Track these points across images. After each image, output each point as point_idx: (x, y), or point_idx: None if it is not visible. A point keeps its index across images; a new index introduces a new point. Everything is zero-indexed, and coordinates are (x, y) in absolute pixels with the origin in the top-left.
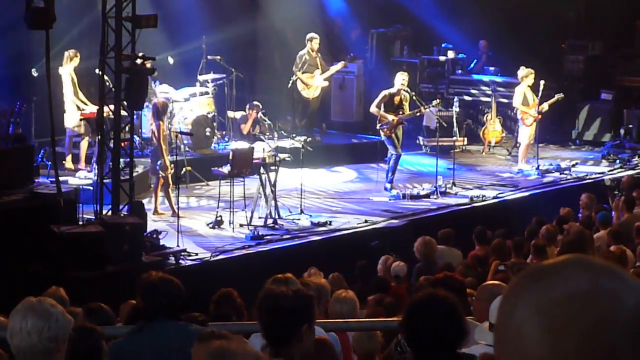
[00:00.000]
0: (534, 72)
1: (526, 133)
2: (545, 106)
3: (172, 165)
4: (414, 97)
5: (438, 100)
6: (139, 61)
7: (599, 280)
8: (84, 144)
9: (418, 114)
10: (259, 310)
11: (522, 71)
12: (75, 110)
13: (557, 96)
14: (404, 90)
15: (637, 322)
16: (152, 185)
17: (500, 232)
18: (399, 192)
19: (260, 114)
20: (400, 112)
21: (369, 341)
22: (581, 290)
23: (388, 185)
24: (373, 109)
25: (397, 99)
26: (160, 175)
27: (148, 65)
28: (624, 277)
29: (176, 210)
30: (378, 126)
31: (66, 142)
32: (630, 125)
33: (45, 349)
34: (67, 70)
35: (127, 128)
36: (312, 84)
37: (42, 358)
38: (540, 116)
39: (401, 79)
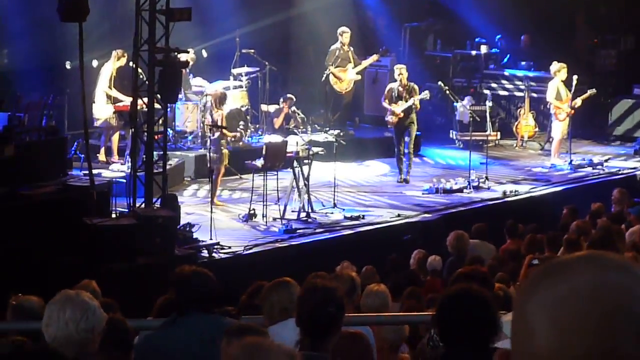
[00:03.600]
0: (567, 67)
1: (559, 128)
2: (578, 101)
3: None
4: (447, 92)
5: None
6: (184, 55)
7: (606, 274)
8: (116, 137)
9: (413, 105)
10: (300, 302)
11: (555, 66)
12: (106, 102)
13: (589, 91)
14: (406, 82)
15: None
16: (187, 179)
17: (532, 227)
18: (433, 185)
19: (292, 108)
20: (399, 104)
21: (395, 333)
22: (588, 285)
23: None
24: (382, 103)
25: (400, 90)
26: (219, 165)
27: (183, 57)
28: (633, 271)
29: (217, 202)
30: (387, 120)
31: (102, 136)
32: None
33: (82, 339)
34: (110, 67)
35: (160, 121)
36: (344, 77)
37: (77, 348)
38: (573, 111)
39: (397, 72)
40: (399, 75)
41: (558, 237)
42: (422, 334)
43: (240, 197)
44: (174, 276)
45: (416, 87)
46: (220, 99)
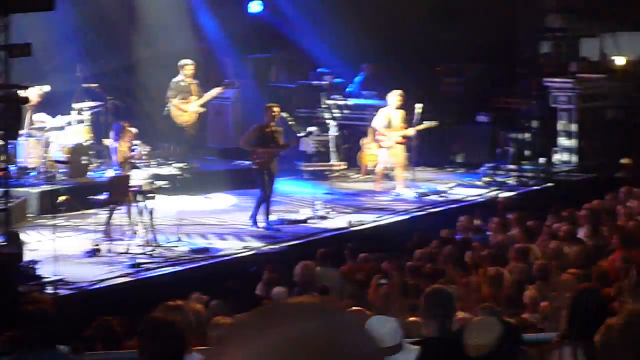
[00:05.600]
0: (405, 95)
1: (384, 155)
2: (410, 131)
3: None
4: (290, 123)
5: (309, 129)
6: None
7: (314, 323)
8: None
9: (291, 145)
10: (143, 337)
11: (390, 94)
12: None
13: (428, 123)
14: (276, 122)
15: None
16: (30, 215)
17: (374, 257)
18: (278, 217)
19: (131, 142)
20: (271, 145)
21: None
22: (296, 334)
23: (253, 222)
24: (242, 143)
25: (267, 131)
26: None
27: (31, 92)
28: (356, 327)
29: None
30: (250, 161)
31: None
32: (507, 147)
33: None
34: None
35: (2, 157)
36: (187, 110)
37: None
38: (404, 140)
39: (271, 112)
40: (275, 116)
41: (404, 264)
42: None
43: (84, 233)
44: (20, 314)
45: (280, 127)
46: (123, 131)
